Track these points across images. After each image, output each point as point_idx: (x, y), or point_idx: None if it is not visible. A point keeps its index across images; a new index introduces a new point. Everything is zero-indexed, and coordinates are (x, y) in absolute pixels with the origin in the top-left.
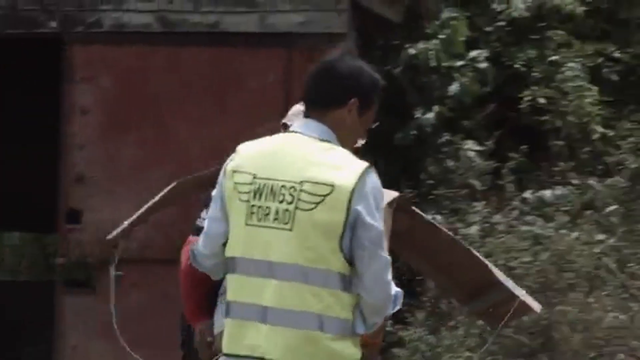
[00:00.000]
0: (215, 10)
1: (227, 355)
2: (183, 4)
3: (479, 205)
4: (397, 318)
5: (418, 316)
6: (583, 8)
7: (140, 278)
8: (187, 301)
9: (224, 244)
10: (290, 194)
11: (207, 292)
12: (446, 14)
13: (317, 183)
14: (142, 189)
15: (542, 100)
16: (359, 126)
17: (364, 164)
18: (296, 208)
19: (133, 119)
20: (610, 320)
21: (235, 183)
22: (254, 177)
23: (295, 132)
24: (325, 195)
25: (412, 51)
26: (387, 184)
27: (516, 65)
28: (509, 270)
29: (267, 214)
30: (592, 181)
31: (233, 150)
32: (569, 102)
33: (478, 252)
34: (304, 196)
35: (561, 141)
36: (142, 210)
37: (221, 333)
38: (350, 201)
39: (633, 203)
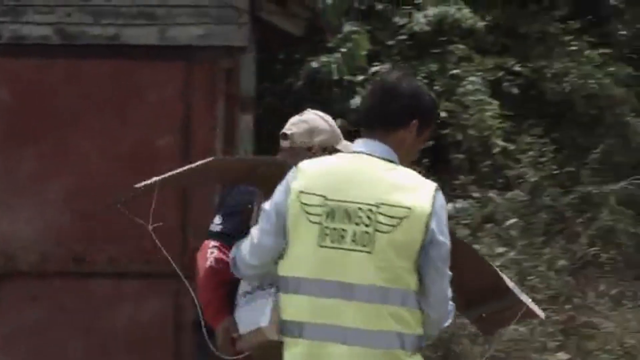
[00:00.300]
0: (115, 22)
1: None
2: (82, 16)
3: None
4: None
5: None
6: (483, 23)
7: (40, 291)
8: (210, 303)
9: (272, 258)
10: (368, 217)
11: (228, 292)
12: (348, 27)
13: (394, 206)
14: (40, 201)
15: (443, 114)
16: (416, 146)
17: (433, 184)
18: (375, 230)
19: (32, 131)
20: (510, 332)
21: (303, 204)
22: (325, 199)
23: (361, 152)
24: (402, 218)
25: (313, 65)
26: None
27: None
28: None
29: (343, 237)
30: (492, 194)
31: (133, 161)
32: (469, 116)
33: None
34: (381, 218)
35: (462, 154)
36: (175, 172)
37: (250, 333)
38: (427, 224)
39: (533, 216)
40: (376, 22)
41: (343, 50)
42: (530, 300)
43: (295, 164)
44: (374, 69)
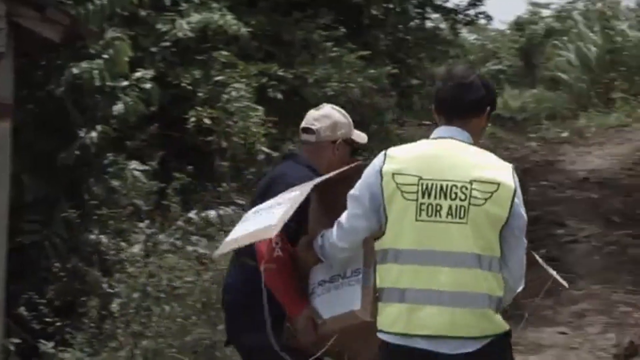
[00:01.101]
0: None
1: (402, 335)
2: None
3: (143, 225)
4: (57, 339)
5: (79, 337)
6: (247, 29)
7: None
8: (287, 292)
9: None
10: (463, 192)
11: (298, 282)
12: (110, 33)
13: (485, 182)
14: None
15: (207, 121)
16: (484, 128)
17: (510, 164)
18: (470, 204)
19: None
20: None
21: (398, 184)
22: (420, 179)
23: (447, 137)
24: (492, 192)
25: (75, 71)
26: (49, 204)
27: (182, 85)
28: (172, 290)
29: (439, 210)
30: None
31: None
32: (234, 123)
33: (140, 272)
34: (475, 193)
35: (226, 162)
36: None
37: (337, 317)
38: (512, 198)
39: None
40: (139, 29)
41: (105, 56)
42: (555, 272)
43: (321, 157)
44: (137, 74)
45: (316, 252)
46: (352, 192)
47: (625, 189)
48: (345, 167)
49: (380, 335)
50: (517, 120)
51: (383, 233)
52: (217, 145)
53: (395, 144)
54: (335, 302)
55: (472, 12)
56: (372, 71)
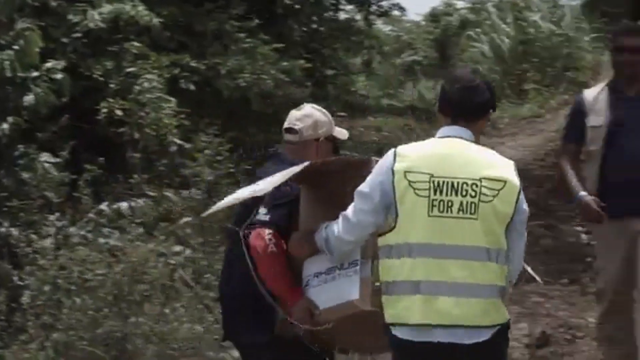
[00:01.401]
0: None
1: (418, 325)
2: None
3: (54, 217)
4: None
5: None
6: (159, 20)
7: None
8: (281, 283)
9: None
10: (473, 189)
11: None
12: (20, 24)
13: (493, 179)
14: None
15: (119, 112)
16: (484, 128)
17: (512, 162)
18: (480, 201)
19: None
20: (185, 331)
21: (410, 181)
22: (432, 177)
23: (454, 137)
24: (499, 190)
25: None
26: None
27: (93, 76)
28: (84, 282)
29: (451, 207)
30: (168, 193)
31: None
32: (146, 114)
33: (51, 264)
34: (484, 190)
35: (138, 153)
36: (275, 179)
37: (333, 308)
38: (518, 194)
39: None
40: (50, 19)
41: (15, 47)
42: (529, 267)
43: (305, 155)
44: (47, 65)
45: (317, 244)
46: (361, 188)
47: (537, 179)
48: (333, 158)
49: (394, 331)
50: (432, 111)
51: (392, 229)
52: (129, 136)
53: None
54: (333, 292)
55: (385, 3)
56: (285, 64)
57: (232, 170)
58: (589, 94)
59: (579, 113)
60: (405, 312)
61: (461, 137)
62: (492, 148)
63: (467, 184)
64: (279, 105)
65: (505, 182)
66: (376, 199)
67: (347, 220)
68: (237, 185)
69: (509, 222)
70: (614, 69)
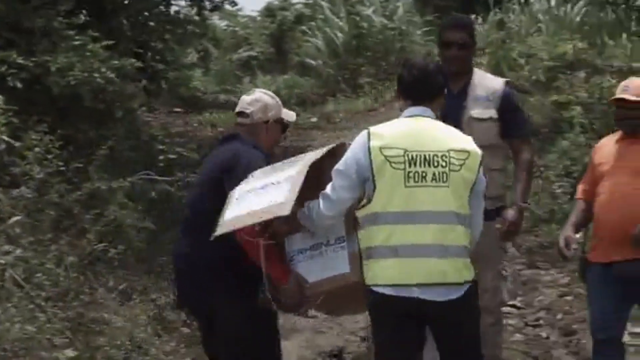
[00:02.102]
0: None
1: (400, 285)
2: None
3: None
4: None
5: None
6: None
7: None
8: (274, 264)
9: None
10: (443, 160)
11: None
12: None
13: (459, 150)
14: None
15: None
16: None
17: (469, 136)
18: (450, 170)
19: None
20: (17, 332)
21: (386, 156)
22: (406, 151)
23: (421, 116)
24: (465, 159)
25: None
26: None
27: None
28: None
29: (425, 177)
30: None
31: None
32: None
33: None
34: (453, 161)
35: None
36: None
37: (323, 281)
38: (479, 164)
39: (40, 214)
40: None
41: None
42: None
43: (256, 136)
44: None
45: (300, 222)
46: (338, 167)
47: None
48: (331, 146)
49: (374, 289)
50: None
51: (369, 200)
52: None
53: (144, 132)
54: (322, 267)
55: None
56: (115, 62)
57: (62, 168)
58: None
59: None
60: (384, 274)
61: (426, 116)
62: (328, 142)
63: (437, 156)
64: (111, 101)
65: (469, 152)
66: (353, 175)
67: (327, 198)
68: (67, 182)
69: (472, 189)
70: (442, 64)
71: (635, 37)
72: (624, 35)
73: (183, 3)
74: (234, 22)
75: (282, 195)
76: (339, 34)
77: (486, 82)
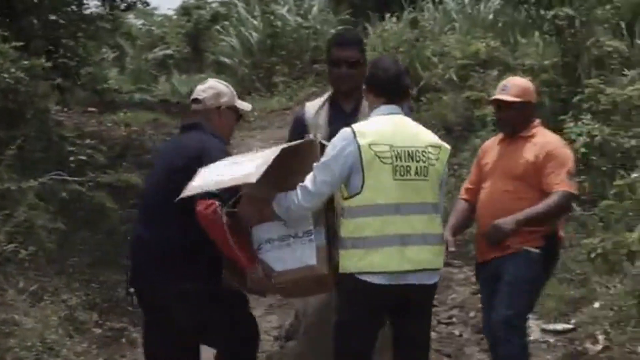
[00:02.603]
0: None
1: (396, 272)
2: None
3: None
4: None
5: None
6: None
7: None
8: (242, 250)
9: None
10: (423, 155)
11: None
12: None
13: (433, 146)
14: None
15: None
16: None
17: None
18: (429, 164)
19: None
20: None
21: (376, 152)
22: (392, 147)
23: (396, 114)
24: (438, 154)
25: None
26: None
27: None
28: None
29: (409, 171)
30: None
31: None
32: None
33: None
34: (430, 155)
35: None
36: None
37: (290, 271)
38: (448, 158)
39: None
40: None
41: None
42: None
43: (210, 122)
44: None
45: (274, 209)
46: (323, 160)
47: None
48: (298, 142)
49: (359, 277)
50: (186, 104)
51: (358, 193)
52: None
53: (55, 132)
54: (289, 257)
55: None
56: (25, 62)
57: None
58: (311, 108)
59: (299, 127)
60: (381, 262)
61: (398, 113)
62: (242, 141)
63: (418, 152)
64: (22, 101)
65: (440, 146)
66: (336, 171)
67: (307, 191)
68: None
69: (441, 179)
70: (330, 83)
71: (546, 36)
72: (536, 34)
73: (97, 2)
74: (149, 21)
75: (253, 167)
76: (254, 33)
77: None
